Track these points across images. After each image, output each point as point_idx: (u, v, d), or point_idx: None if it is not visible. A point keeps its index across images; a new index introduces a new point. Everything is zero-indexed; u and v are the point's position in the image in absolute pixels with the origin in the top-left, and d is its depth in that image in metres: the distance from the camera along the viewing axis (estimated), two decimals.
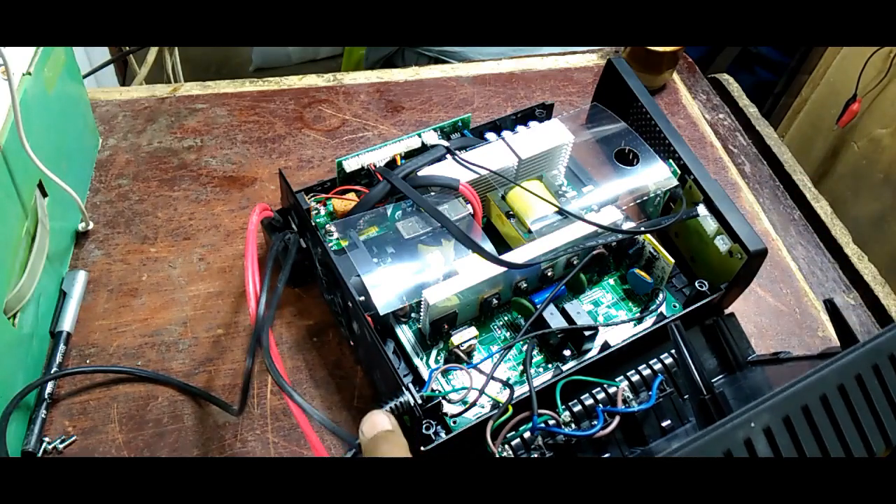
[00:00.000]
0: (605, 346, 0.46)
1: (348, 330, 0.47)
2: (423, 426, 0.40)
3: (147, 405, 0.45)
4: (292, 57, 1.79)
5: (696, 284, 0.49)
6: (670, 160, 0.53)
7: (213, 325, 0.50)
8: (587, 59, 0.76)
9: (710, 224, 0.50)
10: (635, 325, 0.49)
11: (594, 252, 0.49)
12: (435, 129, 0.55)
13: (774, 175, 0.67)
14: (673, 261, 0.49)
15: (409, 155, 0.52)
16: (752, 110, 0.74)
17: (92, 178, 0.59)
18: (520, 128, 0.55)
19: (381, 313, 0.44)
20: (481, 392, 0.42)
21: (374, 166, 0.51)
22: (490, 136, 0.54)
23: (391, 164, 0.52)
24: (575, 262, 0.49)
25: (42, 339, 0.46)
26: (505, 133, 0.53)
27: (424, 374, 0.45)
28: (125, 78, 1.23)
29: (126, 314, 0.50)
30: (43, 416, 0.43)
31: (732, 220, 0.48)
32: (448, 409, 0.43)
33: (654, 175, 0.52)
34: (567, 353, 0.46)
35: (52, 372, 0.45)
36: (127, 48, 1.02)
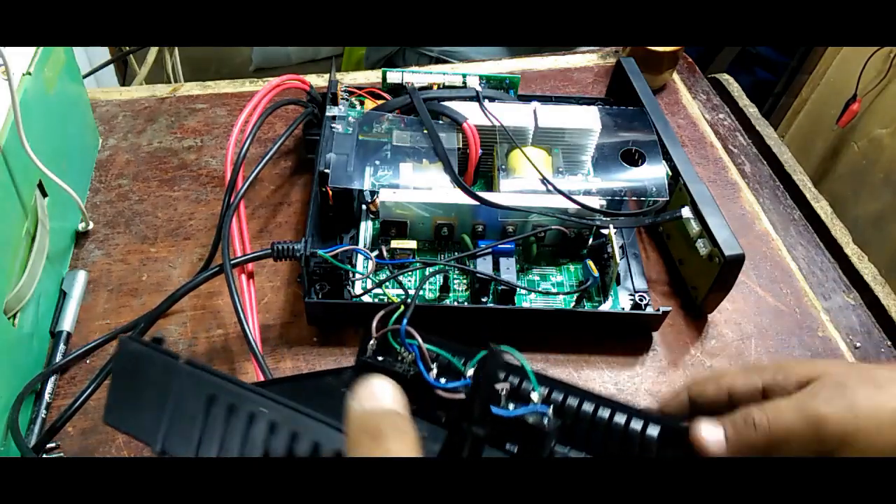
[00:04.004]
0: (510, 300, 0.49)
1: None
2: (309, 278, 0.46)
3: None
4: (292, 57, 1.79)
5: (637, 298, 0.50)
6: (664, 161, 0.53)
7: (213, 325, 0.50)
8: (587, 59, 0.76)
9: (693, 227, 0.50)
10: (565, 304, 0.50)
11: (553, 227, 0.51)
12: (481, 77, 0.60)
13: (774, 175, 0.67)
14: (619, 262, 0.49)
15: (447, 88, 0.59)
16: (752, 110, 0.74)
17: (92, 178, 0.59)
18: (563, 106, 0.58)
19: (330, 185, 0.50)
20: (380, 284, 0.47)
21: (410, 83, 0.58)
22: (533, 103, 0.57)
23: (427, 88, 0.58)
24: (540, 234, 0.51)
25: (42, 339, 0.46)
26: (541, 102, 0.57)
27: (359, 264, 0.50)
28: (125, 78, 1.23)
29: (126, 314, 0.50)
30: (43, 415, 0.43)
31: (714, 224, 0.49)
32: (355, 290, 0.48)
33: (653, 178, 0.53)
34: (484, 299, 0.49)
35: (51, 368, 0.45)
36: (127, 48, 1.02)
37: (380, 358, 0.36)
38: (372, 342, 0.38)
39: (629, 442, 0.30)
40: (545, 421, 0.29)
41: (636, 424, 0.30)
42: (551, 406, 0.29)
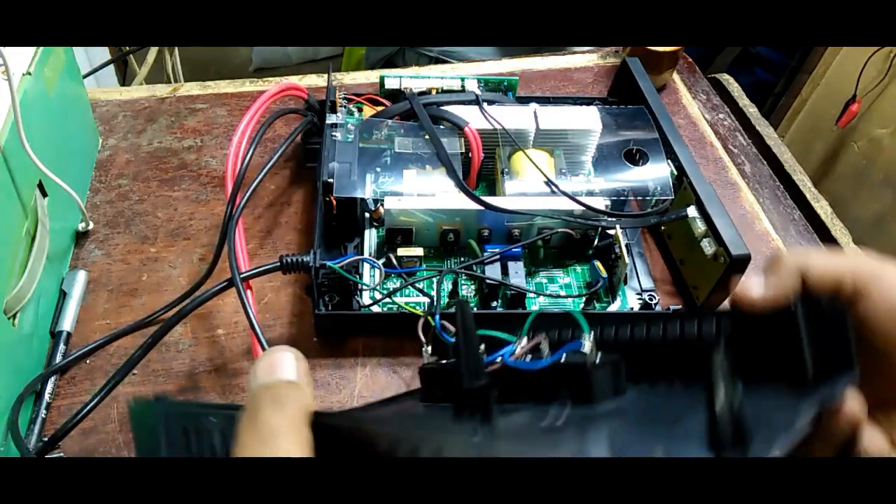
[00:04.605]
0: (519, 304, 0.48)
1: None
2: (318, 290, 0.46)
3: None
4: (292, 57, 1.79)
5: (646, 297, 0.50)
6: (669, 160, 0.53)
7: (213, 325, 0.50)
8: (587, 59, 0.76)
9: (698, 226, 0.50)
10: (574, 306, 0.50)
11: (560, 230, 0.51)
12: (479, 80, 0.59)
13: (774, 175, 0.67)
14: (627, 262, 0.49)
15: (445, 92, 0.58)
16: (752, 110, 0.74)
17: (92, 178, 0.59)
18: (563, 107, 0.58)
19: (335, 194, 0.49)
20: (390, 294, 0.47)
21: (409, 88, 0.58)
22: (532, 105, 0.57)
23: (425, 93, 0.58)
24: (547, 237, 0.51)
25: (42, 339, 0.46)
26: (539, 103, 0.57)
27: (366, 274, 0.49)
28: (125, 78, 1.23)
29: (126, 314, 0.50)
30: (43, 416, 0.43)
31: (720, 223, 0.49)
32: (364, 300, 0.48)
33: (656, 177, 0.53)
34: (494, 303, 0.49)
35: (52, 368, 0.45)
36: (127, 48, 1.03)
37: (434, 359, 0.38)
38: (426, 348, 0.39)
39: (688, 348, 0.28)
40: (584, 356, 0.27)
41: (692, 327, 0.28)
42: (592, 343, 0.28)
